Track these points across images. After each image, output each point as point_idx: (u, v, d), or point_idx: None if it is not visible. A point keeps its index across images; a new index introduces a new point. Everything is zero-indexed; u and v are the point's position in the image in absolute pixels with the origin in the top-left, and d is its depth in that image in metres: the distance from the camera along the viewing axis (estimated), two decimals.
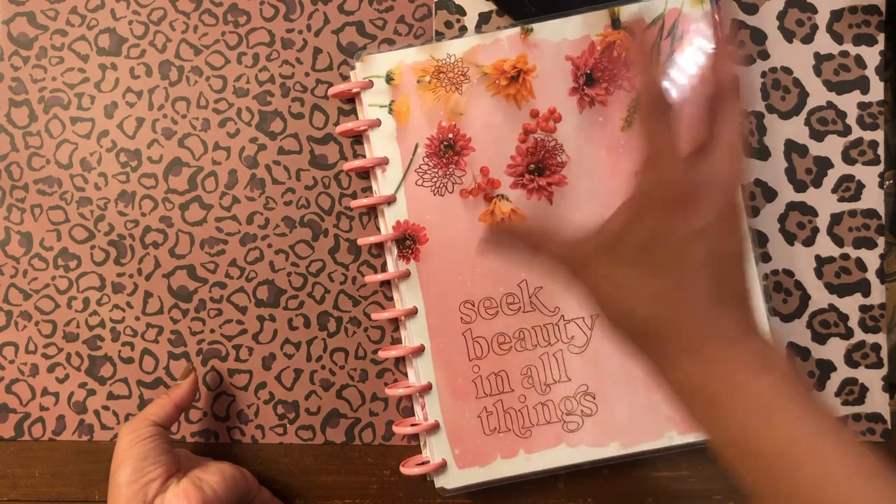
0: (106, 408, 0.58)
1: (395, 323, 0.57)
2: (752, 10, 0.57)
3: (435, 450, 0.53)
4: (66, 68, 0.58)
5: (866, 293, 0.56)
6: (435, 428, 0.53)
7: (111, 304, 0.58)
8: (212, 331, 0.57)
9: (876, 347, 0.56)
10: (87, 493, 0.58)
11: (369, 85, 0.53)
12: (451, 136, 0.53)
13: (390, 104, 0.53)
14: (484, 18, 0.57)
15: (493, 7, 0.57)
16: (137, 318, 0.58)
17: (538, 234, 0.40)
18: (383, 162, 0.53)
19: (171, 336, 0.58)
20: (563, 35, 0.53)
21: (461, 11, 0.57)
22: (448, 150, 0.53)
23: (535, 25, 0.52)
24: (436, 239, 0.53)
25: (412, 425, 0.54)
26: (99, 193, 0.58)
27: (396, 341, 0.57)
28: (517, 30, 0.53)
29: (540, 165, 0.53)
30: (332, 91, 0.55)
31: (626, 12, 0.53)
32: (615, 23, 0.53)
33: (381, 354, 0.55)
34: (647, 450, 0.53)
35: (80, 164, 0.58)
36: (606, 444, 0.53)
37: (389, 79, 0.53)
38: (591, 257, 0.38)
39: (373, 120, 0.53)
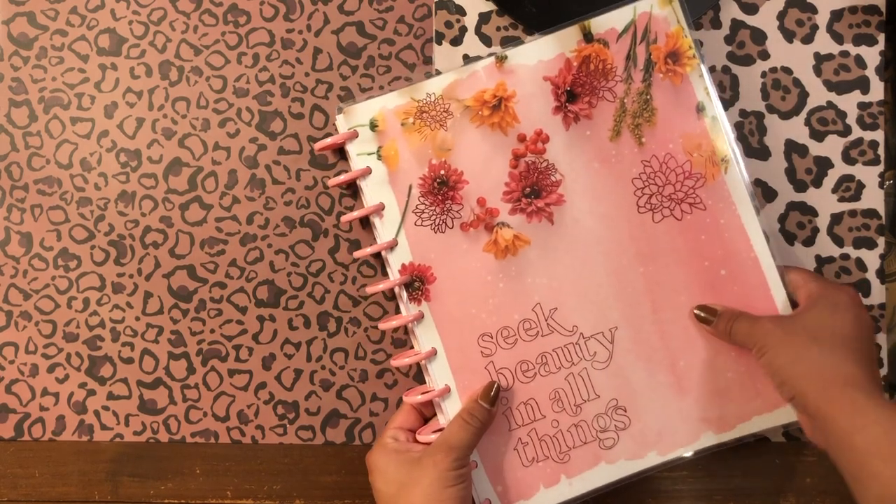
0: (106, 408, 0.58)
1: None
2: (752, 10, 0.57)
3: (478, 491, 0.53)
4: (66, 68, 0.58)
5: (866, 293, 0.56)
6: (473, 469, 0.52)
7: (111, 304, 0.58)
8: (212, 331, 0.57)
9: (875, 348, 0.56)
10: (87, 493, 0.58)
11: (354, 135, 0.53)
12: (442, 172, 0.53)
13: (378, 150, 0.53)
14: (484, 18, 0.57)
15: (493, 7, 0.57)
16: (137, 318, 0.58)
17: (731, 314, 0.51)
18: (380, 209, 0.53)
19: (171, 336, 0.58)
20: (538, 57, 0.53)
21: (461, 11, 0.57)
22: (442, 186, 0.53)
23: (508, 52, 0.53)
24: (443, 276, 0.53)
25: None
26: (99, 193, 0.58)
27: (398, 342, 0.57)
28: (491, 60, 0.53)
29: (535, 188, 0.53)
30: (317, 146, 0.54)
31: (596, 25, 0.53)
32: (587, 36, 0.53)
33: (394, 363, 0.54)
34: (686, 454, 0.53)
35: (80, 164, 0.58)
36: (645, 454, 0.53)
37: (374, 126, 0.53)
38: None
39: (363, 169, 0.53)
